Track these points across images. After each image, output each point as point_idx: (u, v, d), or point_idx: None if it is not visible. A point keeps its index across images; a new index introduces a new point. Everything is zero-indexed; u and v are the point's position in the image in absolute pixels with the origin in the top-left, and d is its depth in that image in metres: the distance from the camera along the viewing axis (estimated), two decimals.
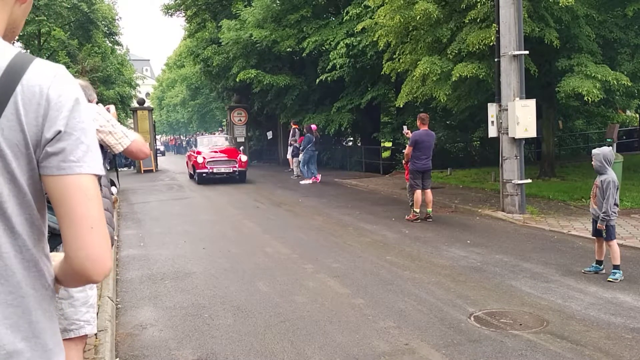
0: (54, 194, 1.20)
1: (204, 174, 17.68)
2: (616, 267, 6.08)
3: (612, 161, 6.33)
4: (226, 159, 18.08)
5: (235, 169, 17.81)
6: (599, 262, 6.37)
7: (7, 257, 1.20)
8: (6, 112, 1.16)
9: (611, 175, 6.17)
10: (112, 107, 3.46)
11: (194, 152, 19.39)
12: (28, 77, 1.18)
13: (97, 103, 3.28)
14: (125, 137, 3.06)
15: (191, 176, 19.69)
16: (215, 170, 17.59)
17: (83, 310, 2.95)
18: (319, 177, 17.90)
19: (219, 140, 21.34)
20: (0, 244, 1.19)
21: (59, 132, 1.18)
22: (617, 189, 6.21)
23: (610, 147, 6.49)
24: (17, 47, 1.24)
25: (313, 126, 18.96)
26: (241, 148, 19.72)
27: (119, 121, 3.25)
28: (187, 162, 21.11)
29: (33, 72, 1.19)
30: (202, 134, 49.17)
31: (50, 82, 1.19)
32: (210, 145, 19.96)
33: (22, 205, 1.21)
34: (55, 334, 1.30)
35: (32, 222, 1.23)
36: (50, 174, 1.19)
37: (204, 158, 17.77)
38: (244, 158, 18.21)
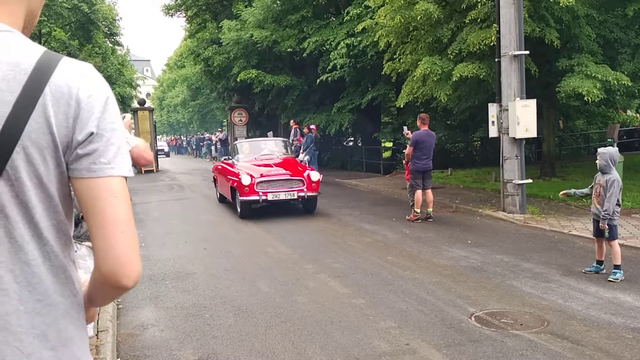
0: (84, 197, 1.17)
1: (252, 203, 10.89)
2: (617, 267, 6.08)
3: (617, 161, 6.36)
4: (287, 176, 11.17)
5: (302, 193, 10.95)
6: (600, 262, 6.37)
7: (35, 265, 1.16)
8: (34, 115, 1.12)
9: (616, 175, 6.20)
10: (127, 115, 3.45)
11: (232, 167, 12.11)
12: (56, 77, 1.14)
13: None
14: (126, 143, 3.04)
15: (223, 199, 13.36)
16: (271, 197, 10.80)
17: None
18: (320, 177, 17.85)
19: (269, 145, 13.63)
20: (28, 250, 1.15)
21: (92, 133, 1.15)
22: (621, 189, 6.22)
23: (617, 148, 6.53)
24: (43, 47, 1.21)
25: (312, 126, 18.96)
26: (306, 158, 13.75)
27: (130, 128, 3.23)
28: (214, 179, 14.31)
29: (61, 72, 1.15)
30: (203, 134, 49.22)
31: (80, 82, 1.16)
32: (258, 155, 12.62)
33: (49, 210, 1.17)
34: (84, 342, 1.26)
35: (60, 227, 1.20)
36: (80, 176, 1.16)
37: (252, 176, 10.83)
38: (314, 176, 11.29)
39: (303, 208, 11.84)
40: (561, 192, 7.01)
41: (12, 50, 1.15)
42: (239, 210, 11.28)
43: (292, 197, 11.01)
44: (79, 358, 1.23)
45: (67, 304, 1.21)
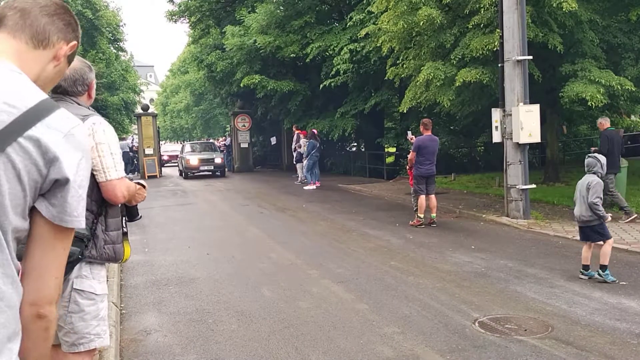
0: (39, 231, 1.31)
1: None
2: (604, 267, 6.13)
3: None
4: None
5: None
6: (585, 267, 6.37)
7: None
8: (14, 146, 1.22)
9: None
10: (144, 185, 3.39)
11: None
12: (47, 123, 1.26)
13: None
14: (112, 170, 2.84)
15: None
16: None
17: (94, 324, 2.92)
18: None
19: None
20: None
21: (67, 180, 1.28)
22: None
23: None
24: (46, 95, 1.33)
25: (314, 130, 18.99)
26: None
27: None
28: None
29: (52, 119, 1.27)
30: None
31: (61, 137, 1.27)
32: None
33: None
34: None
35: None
36: (47, 217, 1.30)
37: None
38: None
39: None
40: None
41: (13, 88, 1.26)
42: None
43: None
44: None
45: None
